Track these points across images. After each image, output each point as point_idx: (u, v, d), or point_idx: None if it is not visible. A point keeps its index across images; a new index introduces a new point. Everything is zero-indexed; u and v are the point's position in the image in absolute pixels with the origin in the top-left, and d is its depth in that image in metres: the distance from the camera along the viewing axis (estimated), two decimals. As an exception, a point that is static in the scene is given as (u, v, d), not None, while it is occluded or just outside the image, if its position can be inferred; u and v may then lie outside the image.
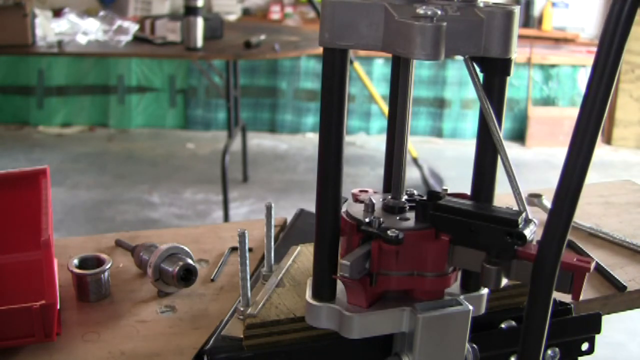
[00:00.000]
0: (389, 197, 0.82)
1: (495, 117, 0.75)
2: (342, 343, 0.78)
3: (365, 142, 5.10)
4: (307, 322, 0.79)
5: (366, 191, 0.84)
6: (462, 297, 0.79)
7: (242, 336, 0.79)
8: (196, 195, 4.02)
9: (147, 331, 0.89)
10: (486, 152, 0.77)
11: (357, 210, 0.78)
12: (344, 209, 0.78)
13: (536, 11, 5.50)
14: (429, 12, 0.65)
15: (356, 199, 0.82)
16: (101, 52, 3.52)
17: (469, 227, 0.72)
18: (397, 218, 0.78)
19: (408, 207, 0.80)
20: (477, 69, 0.75)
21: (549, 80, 5.33)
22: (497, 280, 0.71)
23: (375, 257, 0.73)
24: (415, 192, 0.82)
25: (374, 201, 0.78)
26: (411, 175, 3.78)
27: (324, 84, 0.72)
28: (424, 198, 0.79)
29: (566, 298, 0.95)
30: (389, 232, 0.72)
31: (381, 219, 0.74)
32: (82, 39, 3.34)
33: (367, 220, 0.75)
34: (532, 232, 0.71)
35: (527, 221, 0.71)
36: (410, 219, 0.77)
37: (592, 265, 0.68)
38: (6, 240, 1.05)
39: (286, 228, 1.14)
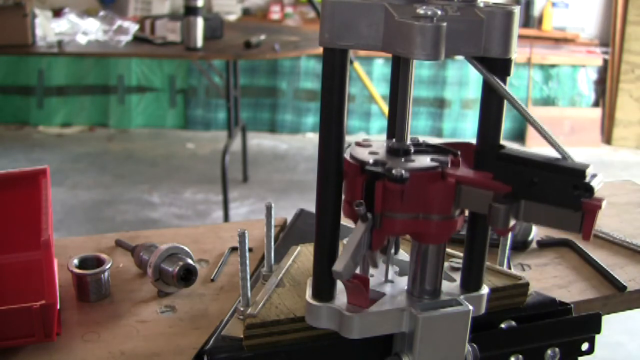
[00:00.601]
0: (393, 140, 0.80)
1: (495, 118, 0.75)
2: (342, 343, 0.78)
3: (365, 142, 5.09)
4: (307, 322, 0.79)
5: (369, 141, 0.82)
6: (462, 297, 0.79)
7: (242, 336, 0.79)
8: (196, 195, 4.02)
9: (147, 331, 0.89)
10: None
11: (361, 153, 0.76)
12: (347, 153, 0.76)
13: (536, 11, 5.50)
14: (429, 12, 0.65)
15: (360, 145, 0.80)
16: (101, 52, 3.51)
17: (533, 177, 0.69)
18: (402, 160, 0.76)
19: (413, 151, 0.78)
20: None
21: (549, 80, 5.33)
22: (505, 220, 0.69)
23: (380, 198, 0.71)
24: (420, 139, 0.80)
25: (379, 146, 0.77)
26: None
27: (324, 84, 0.72)
28: (435, 144, 0.77)
29: (566, 298, 0.95)
30: (393, 171, 0.70)
31: (386, 161, 0.73)
32: (82, 39, 3.34)
33: (370, 161, 0.73)
34: (599, 184, 0.68)
35: (594, 174, 0.68)
36: (416, 161, 0.75)
37: (603, 203, 0.66)
38: (6, 240, 1.05)
39: (286, 228, 1.14)
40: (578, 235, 1.18)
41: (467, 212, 0.81)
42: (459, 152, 0.77)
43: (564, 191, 0.68)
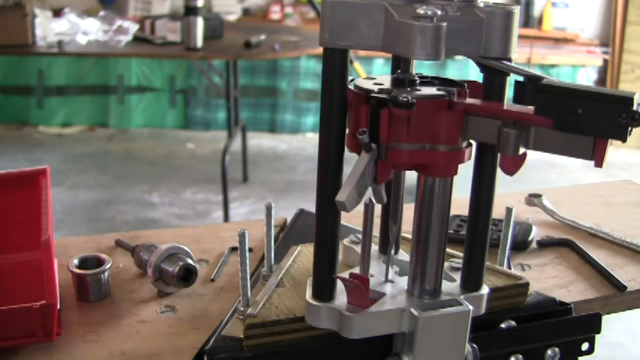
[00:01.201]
0: (399, 71, 0.78)
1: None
2: (342, 343, 0.78)
3: (365, 142, 5.09)
4: (307, 322, 0.79)
5: (374, 77, 0.80)
6: (462, 297, 0.79)
7: (242, 336, 0.79)
8: (196, 195, 4.02)
9: (147, 331, 0.89)
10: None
11: (366, 83, 0.75)
12: (351, 84, 0.74)
13: (536, 11, 5.50)
14: (429, 12, 0.65)
15: (364, 79, 0.78)
16: (101, 52, 3.51)
17: (577, 108, 0.66)
18: (408, 89, 0.74)
19: (419, 82, 0.76)
20: (478, 68, 0.75)
21: (549, 80, 5.33)
22: (515, 146, 0.67)
23: (385, 127, 0.70)
24: (424, 73, 0.79)
25: (384, 79, 0.75)
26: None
27: (324, 84, 0.72)
28: (440, 77, 0.76)
29: (566, 298, 0.95)
30: (399, 97, 0.68)
31: (391, 89, 0.72)
32: (82, 39, 3.34)
33: (376, 89, 0.72)
34: None
35: None
36: (422, 90, 0.74)
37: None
38: (6, 240, 1.05)
39: (286, 228, 1.14)
40: (578, 234, 1.19)
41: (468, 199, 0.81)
42: (465, 84, 0.76)
43: (610, 120, 0.64)
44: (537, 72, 0.71)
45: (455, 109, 0.72)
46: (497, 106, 0.72)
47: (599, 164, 0.66)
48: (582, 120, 0.66)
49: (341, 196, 0.68)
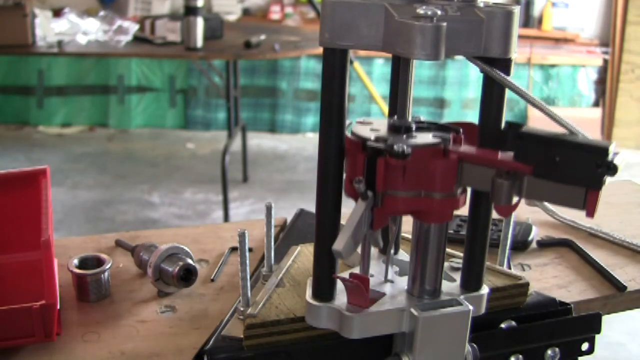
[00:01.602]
0: (395, 117, 0.79)
1: (496, 117, 0.75)
2: (342, 343, 0.78)
3: (365, 142, 5.10)
4: (307, 322, 0.79)
5: (371, 120, 0.81)
6: (462, 297, 0.79)
7: (242, 336, 0.79)
8: (196, 195, 4.02)
9: (147, 331, 0.89)
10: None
11: (362, 130, 0.76)
12: (348, 130, 0.76)
13: (536, 11, 5.50)
14: (429, 12, 0.65)
15: (361, 124, 0.79)
16: (101, 52, 3.51)
17: (554, 156, 0.68)
18: (404, 137, 0.75)
19: (415, 128, 0.77)
20: (477, 68, 0.75)
21: (549, 80, 5.33)
22: (508, 196, 0.69)
23: (381, 175, 0.71)
24: (422, 117, 0.80)
25: (380, 124, 0.76)
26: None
27: (324, 84, 0.72)
28: (437, 122, 0.77)
29: (566, 298, 0.95)
30: (395, 146, 0.70)
31: (387, 137, 0.73)
32: (82, 39, 3.34)
33: (372, 138, 0.73)
34: (622, 162, 0.66)
35: (616, 152, 0.67)
36: (418, 138, 0.75)
37: (607, 179, 0.66)
38: (6, 240, 1.05)
39: (286, 228, 1.14)
40: (578, 234, 1.19)
41: (467, 214, 0.81)
42: (461, 130, 0.76)
43: (586, 170, 0.66)
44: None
45: (450, 157, 0.73)
46: (491, 154, 0.73)
47: (590, 214, 0.67)
48: (560, 168, 0.67)
49: (338, 245, 0.69)
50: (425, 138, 0.75)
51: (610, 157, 0.66)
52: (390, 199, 0.73)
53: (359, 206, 0.71)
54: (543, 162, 0.68)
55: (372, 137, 0.73)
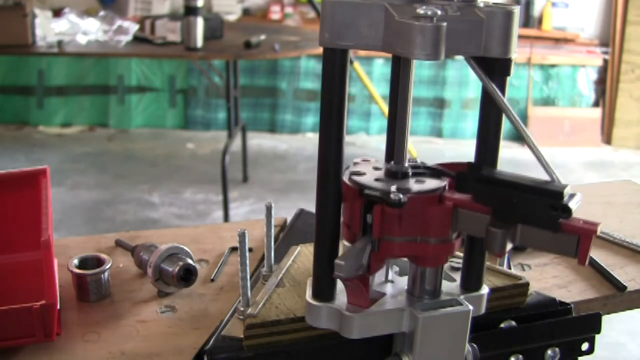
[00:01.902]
0: (392, 163, 0.81)
1: (495, 119, 0.75)
2: (342, 343, 0.78)
3: (365, 142, 5.10)
4: (307, 322, 0.79)
5: (369, 160, 0.83)
6: (462, 297, 0.79)
7: (242, 336, 0.79)
8: (196, 195, 4.02)
9: (147, 331, 0.89)
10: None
11: (360, 176, 0.77)
12: (346, 175, 0.77)
13: (536, 11, 5.50)
14: (429, 12, 0.65)
15: (358, 166, 0.81)
16: (101, 52, 3.51)
17: (511, 199, 0.70)
18: (400, 183, 0.76)
19: (411, 173, 0.78)
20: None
21: (549, 80, 5.33)
22: (501, 244, 0.70)
23: (378, 222, 0.72)
24: (418, 161, 0.81)
25: (377, 168, 0.77)
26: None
27: (324, 84, 0.72)
28: (434, 166, 0.78)
29: (566, 298, 0.95)
30: (391, 195, 0.71)
31: (384, 184, 0.73)
32: (82, 39, 3.34)
33: (369, 185, 0.74)
34: (577, 204, 0.68)
35: (572, 194, 0.69)
36: (414, 184, 0.76)
37: (599, 228, 0.67)
38: (6, 240, 1.05)
39: (286, 228, 1.14)
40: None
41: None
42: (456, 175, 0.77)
43: (542, 212, 0.69)
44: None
45: (446, 204, 0.74)
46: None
47: (582, 262, 0.68)
48: (517, 210, 0.70)
49: (341, 259, 0.71)
50: (422, 185, 0.76)
51: (565, 200, 0.68)
52: (387, 244, 0.74)
53: (362, 240, 0.73)
54: (502, 204, 0.71)
55: (369, 184, 0.74)
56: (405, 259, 0.87)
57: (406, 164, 0.80)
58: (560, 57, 5.28)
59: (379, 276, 0.84)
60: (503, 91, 0.75)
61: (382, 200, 0.71)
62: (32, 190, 1.05)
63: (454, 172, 0.77)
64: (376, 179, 0.76)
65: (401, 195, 0.71)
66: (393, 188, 0.73)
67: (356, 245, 0.73)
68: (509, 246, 0.71)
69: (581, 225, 0.67)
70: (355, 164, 0.81)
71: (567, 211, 0.67)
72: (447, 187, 0.76)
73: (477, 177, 0.73)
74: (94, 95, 5.18)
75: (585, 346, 0.90)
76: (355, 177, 0.76)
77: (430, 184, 0.76)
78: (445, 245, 0.75)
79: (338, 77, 0.71)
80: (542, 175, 0.72)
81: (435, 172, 0.79)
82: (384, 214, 0.72)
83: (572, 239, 0.68)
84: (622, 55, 5.30)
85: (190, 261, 0.96)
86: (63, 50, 3.21)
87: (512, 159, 4.34)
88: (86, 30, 3.39)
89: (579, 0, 5.49)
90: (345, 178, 0.76)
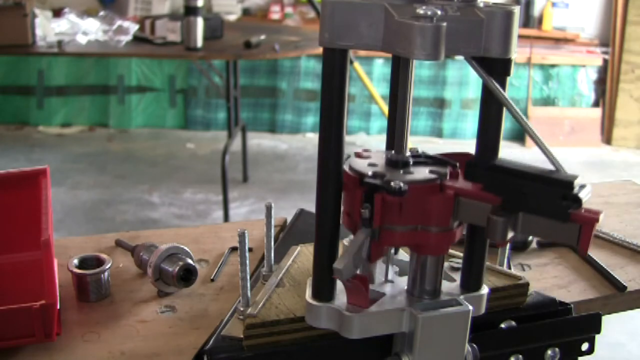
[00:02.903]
0: (392, 152, 0.80)
1: (495, 118, 0.75)
2: (342, 343, 0.78)
3: (365, 142, 5.10)
4: (307, 322, 0.79)
5: (369, 151, 0.82)
6: (462, 297, 0.79)
7: (242, 336, 0.79)
8: (196, 195, 4.02)
9: (147, 331, 0.89)
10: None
11: (360, 165, 0.77)
12: (346, 164, 0.77)
13: (536, 11, 5.50)
14: (429, 12, 0.65)
15: (359, 156, 0.80)
16: (101, 52, 3.51)
17: (522, 188, 0.70)
18: (401, 172, 0.76)
19: (412, 162, 0.78)
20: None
21: (549, 80, 5.33)
22: (503, 233, 0.69)
23: (379, 211, 0.72)
24: (419, 150, 0.81)
25: (378, 157, 0.77)
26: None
27: (324, 84, 0.72)
28: (435, 155, 0.78)
29: (566, 298, 0.95)
30: (392, 183, 0.70)
31: (384, 173, 0.73)
32: (82, 39, 3.34)
33: (369, 173, 0.74)
34: (587, 195, 0.68)
35: (582, 185, 0.69)
36: (415, 173, 0.76)
37: (601, 216, 0.67)
38: (6, 240, 1.05)
39: (286, 228, 1.14)
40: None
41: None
42: (458, 164, 0.77)
43: (552, 202, 0.68)
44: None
45: (447, 192, 0.73)
46: (483, 190, 0.73)
47: (584, 251, 0.68)
48: (528, 200, 0.69)
49: (339, 264, 0.70)
50: (422, 173, 0.75)
51: (575, 190, 0.68)
52: (388, 233, 0.74)
53: (361, 233, 0.73)
54: (512, 194, 0.70)
55: (370, 173, 0.74)
56: (406, 260, 0.87)
57: (407, 153, 0.79)
58: (560, 57, 5.28)
59: (379, 276, 0.84)
60: (503, 91, 0.75)
61: (383, 188, 0.71)
62: (32, 190, 1.05)
63: (457, 162, 0.76)
64: (377, 168, 0.76)
65: (402, 184, 0.70)
66: (394, 176, 0.73)
67: (354, 243, 0.72)
68: (510, 234, 0.70)
69: (585, 214, 0.67)
70: (356, 154, 0.80)
71: (578, 201, 0.67)
72: (448, 176, 0.75)
73: (486, 166, 0.72)
74: (94, 95, 5.18)
75: (585, 346, 0.90)
76: (356, 166, 0.76)
77: (431, 172, 0.75)
78: (447, 234, 0.75)
79: (338, 77, 0.71)
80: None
81: (436, 161, 0.79)
82: (384, 202, 0.72)
83: (574, 228, 0.67)
84: (622, 55, 5.30)
85: (190, 261, 0.96)
86: (63, 50, 3.21)
87: (512, 158, 4.33)
88: (86, 30, 3.39)
89: (579, 0, 5.49)
90: (345, 167, 0.76)
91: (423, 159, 0.79)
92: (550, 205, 0.68)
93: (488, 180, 0.72)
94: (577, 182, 0.68)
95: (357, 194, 0.74)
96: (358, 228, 0.74)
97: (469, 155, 0.78)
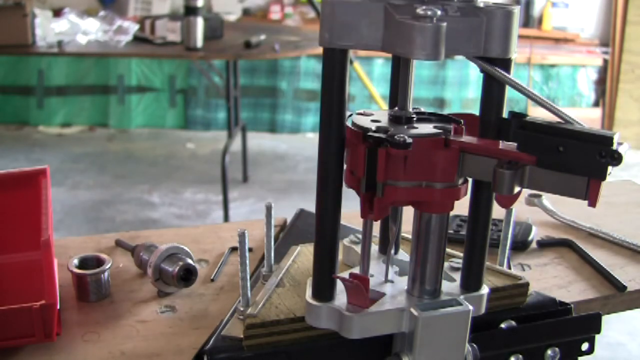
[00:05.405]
0: (396, 108, 0.80)
1: (496, 112, 0.75)
2: (342, 343, 0.78)
3: (365, 142, 5.10)
4: (307, 322, 0.79)
5: (372, 110, 0.82)
6: (462, 297, 0.79)
7: (242, 336, 0.79)
8: (196, 195, 4.02)
9: (147, 331, 0.89)
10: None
11: (363, 121, 0.76)
12: (349, 121, 0.76)
13: (536, 11, 5.50)
14: (429, 12, 0.65)
15: (362, 114, 0.80)
16: (101, 52, 3.51)
17: (558, 146, 0.68)
18: (405, 127, 0.76)
19: (416, 118, 0.77)
20: (477, 68, 0.75)
21: (549, 80, 5.33)
22: (510, 185, 0.69)
23: (382, 166, 0.71)
24: (422, 108, 0.80)
25: (381, 115, 0.76)
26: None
27: (324, 84, 0.72)
28: (438, 113, 0.77)
29: (566, 298, 0.95)
30: (396, 136, 0.70)
31: (388, 128, 0.73)
32: (82, 39, 3.34)
33: (373, 128, 0.73)
34: (626, 152, 0.66)
35: (620, 142, 0.67)
36: (419, 128, 0.75)
37: (610, 167, 0.66)
38: (6, 240, 1.05)
39: (286, 228, 1.14)
40: (578, 234, 1.19)
41: (468, 211, 0.81)
42: (463, 121, 0.77)
43: (590, 159, 0.66)
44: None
45: (452, 147, 0.73)
46: (492, 145, 0.73)
47: (592, 203, 0.67)
48: (564, 158, 0.67)
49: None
50: (426, 128, 0.75)
51: (614, 146, 0.66)
52: (391, 189, 0.73)
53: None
54: (547, 152, 0.68)
55: (373, 128, 0.73)
56: (406, 260, 0.87)
57: (410, 109, 0.79)
58: (560, 57, 5.28)
59: (378, 276, 0.84)
60: (503, 91, 0.75)
61: (387, 142, 0.70)
62: (32, 190, 1.05)
63: (468, 121, 0.76)
64: (380, 124, 0.75)
65: (406, 137, 0.69)
66: (398, 131, 0.72)
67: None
68: (517, 189, 0.69)
69: None
70: (358, 113, 0.79)
71: (618, 158, 0.65)
72: (452, 132, 0.74)
73: (520, 124, 0.70)
74: (94, 95, 5.18)
75: (585, 346, 0.90)
76: (359, 122, 0.75)
77: (436, 128, 0.75)
78: (451, 191, 0.74)
79: (338, 77, 0.71)
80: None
81: (440, 117, 0.78)
82: (388, 156, 0.71)
83: (582, 181, 0.66)
84: (622, 55, 5.30)
85: (190, 261, 0.96)
86: (63, 50, 3.21)
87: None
88: (86, 30, 3.39)
89: (579, 0, 5.49)
90: (348, 123, 0.75)
91: (427, 116, 0.78)
92: (587, 163, 0.66)
93: (522, 138, 0.70)
94: (615, 139, 0.66)
95: (361, 150, 0.72)
96: (361, 185, 0.72)
97: (475, 116, 0.77)
